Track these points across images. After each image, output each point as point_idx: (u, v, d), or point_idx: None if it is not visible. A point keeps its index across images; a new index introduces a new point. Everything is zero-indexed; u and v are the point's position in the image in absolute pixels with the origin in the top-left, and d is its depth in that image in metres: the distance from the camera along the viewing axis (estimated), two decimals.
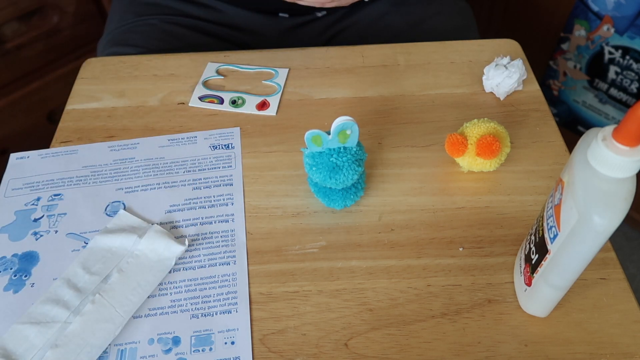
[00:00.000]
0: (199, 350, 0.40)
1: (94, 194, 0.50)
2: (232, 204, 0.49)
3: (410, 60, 0.62)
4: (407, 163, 0.52)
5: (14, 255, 0.46)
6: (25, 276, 0.45)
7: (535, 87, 0.59)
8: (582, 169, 0.31)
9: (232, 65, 0.63)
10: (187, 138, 0.55)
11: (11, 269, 0.45)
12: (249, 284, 0.44)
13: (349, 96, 0.59)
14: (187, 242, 0.46)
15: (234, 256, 0.46)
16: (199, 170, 0.52)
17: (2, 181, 0.52)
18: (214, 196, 0.50)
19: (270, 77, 0.61)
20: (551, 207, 0.36)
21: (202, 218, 0.48)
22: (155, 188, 0.51)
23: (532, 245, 0.39)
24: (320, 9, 0.72)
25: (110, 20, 0.75)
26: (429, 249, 0.46)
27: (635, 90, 1.04)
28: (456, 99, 0.58)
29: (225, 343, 0.41)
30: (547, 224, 0.36)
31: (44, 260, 0.46)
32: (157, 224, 0.48)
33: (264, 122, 0.57)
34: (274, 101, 0.58)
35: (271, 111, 0.57)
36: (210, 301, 0.43)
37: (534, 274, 0.38)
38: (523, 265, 0.41)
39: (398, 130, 0.55)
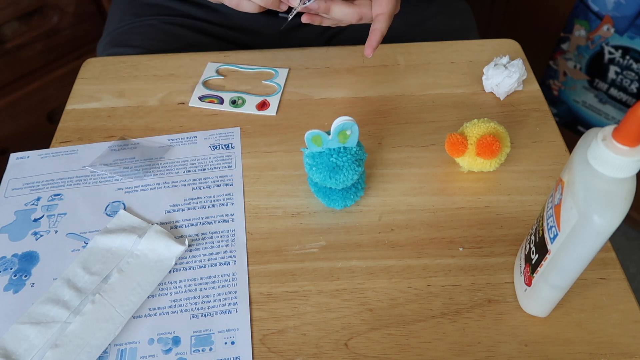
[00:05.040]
0: (199, 350, 0.40)
1: (94, 194, 0.50)
2: (232, 204, 0.49)
3: (410, 60, 0.62)
4: (407, 163, 0.52)
5: (14, 255, 0.46)
6: (25, 276, 0.45)
7: (535, 87, 0.59)
8: (582, 169, 0.31)
9: (232, 65, 0.63)
10: (187, 138, 0.55)
11: (11, 269, 0.45)
12: (249, 284, 0.44)
13: (349, 96, 0.59)
14: (187, 242, 0.46)
15: (234, 256, 0.46)
16: (199, 170, 0.52)
17: (2, 181, 0.52)
18: (214, 196, 0.50)
19: (270, 77, 0.61)
20: (551, 207, 0.36)
21: (202, 218, 0.48)
22: (155, 188, 0.51)
23: (532, 245, 0.39)
24: None
25: (109, 22, 0.75)
26: (429, 249, 0.46)
27: (635, 90, 1.04)
28: (456, 99, 0.58)
29: (225, 343, 0.41)
30: (547, 224, 0.36)
31: (44, 260, 0.46)
32: (157, 224, 0.48)
33: (264, 122, 0.57)
34: (274, 101, 0.58)
35: (271, 111, 0.57)
36: (210, 301, 0.43)
37: (534, 274, 0.38)
38: (523, 265, 0.41)
39: (398, 130, 0.55)
